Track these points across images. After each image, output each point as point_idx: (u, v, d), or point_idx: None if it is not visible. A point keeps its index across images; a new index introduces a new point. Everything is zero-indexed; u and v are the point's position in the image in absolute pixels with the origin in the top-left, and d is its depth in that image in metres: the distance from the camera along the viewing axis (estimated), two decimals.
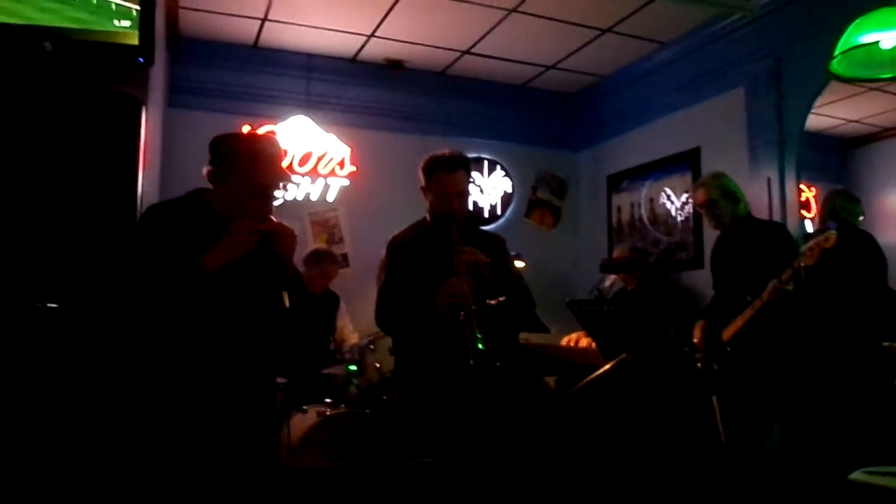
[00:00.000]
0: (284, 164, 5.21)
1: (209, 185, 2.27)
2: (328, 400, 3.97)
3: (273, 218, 2.27)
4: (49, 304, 2.67)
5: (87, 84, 3.05)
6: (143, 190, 3.11)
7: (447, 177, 2.74)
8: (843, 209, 4.29)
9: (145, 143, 3.18)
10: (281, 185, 2.37)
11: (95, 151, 2.92)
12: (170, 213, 2.21)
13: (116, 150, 3.00)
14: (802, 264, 3.14)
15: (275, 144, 2.33)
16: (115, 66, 3.24)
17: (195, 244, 2.10)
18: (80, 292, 2.51)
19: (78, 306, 2.65)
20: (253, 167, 2.20)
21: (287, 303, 2.28)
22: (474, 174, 6.03)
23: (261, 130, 5.17)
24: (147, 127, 3.23)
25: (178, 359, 2.12)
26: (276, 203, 2.34)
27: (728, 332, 3.40)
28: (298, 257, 4.75)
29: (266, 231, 2.20)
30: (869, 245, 4.08)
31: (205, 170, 2.24)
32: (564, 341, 4.63)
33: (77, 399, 2.55)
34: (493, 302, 2.66)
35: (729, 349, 3.33)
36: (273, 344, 2.41)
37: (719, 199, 3.62)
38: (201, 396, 2.11)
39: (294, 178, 5.36)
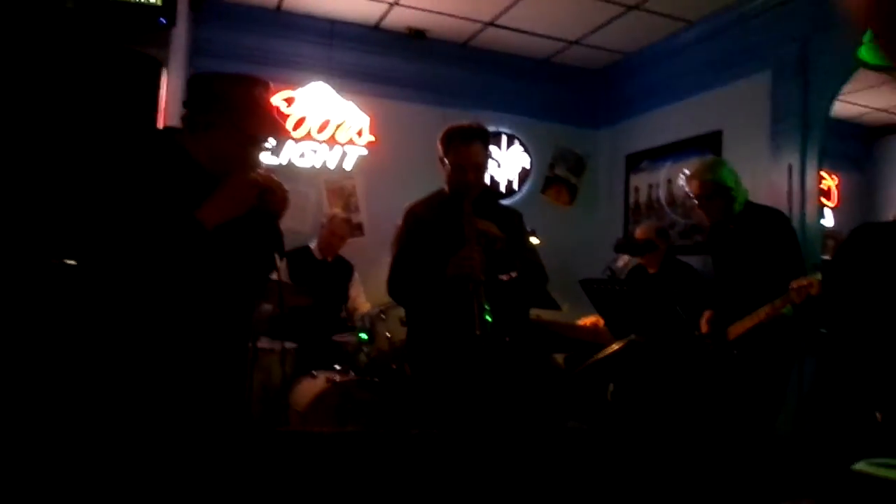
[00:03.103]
0: (303, 130, 5.24)
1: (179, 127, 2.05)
2: (338, 367, 4.01)
3: (262, 172, 2.07)
4: (66, 261, 2.69)
5: (107, 43, 3.05)
6: None
7: (464, 148, 2.73)
8: None
9: (165, 105, 3.19)
10: (272, 136, 2.11)
11: (115, 111, 2.93)
12: (147, 159, 1.98)
13: (136, 110, 3.01)
14: (791, 299, 3.09)
15: (268, 89, 2.10)
16: (137, 26, 3.24)
17: (177, 196, 1.90)
18: (90, 249, 2.40)
19: (90, 263, 2.59)
20: (244, 115, 1.99)
21: (279, 263, 2.12)
22: (492, 148, 6.00)
23: (280, 95, 5.17)
24: (167, 88, 3.23)
25: (167, 318, 1.96)
26: (264, 156, 2.15)
27: (733, 333, 3.38)
28: (315, 224, 4.79)
29: (258, 191, 2.01)
30: None
31: (182, 112, 2.02)
32: (581, 322, 4.64)
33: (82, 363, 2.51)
34: (505, 277, 2.67)
35: (735, 351, 3.33)
36: (254, 306, 2.31)
37: (712, 196, 3.49)
38: (184, 357, 1.97)
39: (311, 145, 5.36)
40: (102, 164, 2.07)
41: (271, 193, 2.05)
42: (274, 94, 2.03)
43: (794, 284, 3.07)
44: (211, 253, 1.94)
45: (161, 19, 3.22)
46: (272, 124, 2.09)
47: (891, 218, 4.32)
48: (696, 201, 3.60)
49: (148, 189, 1.89)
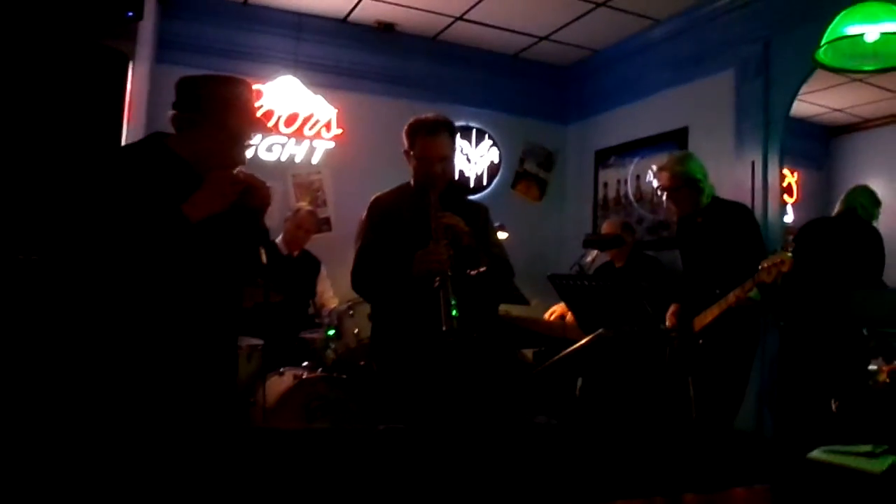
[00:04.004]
0: (270, 123, 5.22)
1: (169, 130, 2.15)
2: (305, 363, 4.01)
3: (244, 169, 2.18)
4: (31, 256, 2.66)
5: (73, 36, 3.01)
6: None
7: (429, 140, 2.73)
8: (862, 208, 4.26)
9: (131, 99, 3.16)
10: (254, 134, 2.26)
11: (80, 105, 2.90)
12: (133, 159, 2.07)
13: (101, 105, 2.98)
14: (760, 279, 3.13)
15: (251, 90, 2.24)
16: (104, 19, 3.20)
17: (163, 193, 1.98)
18: (58, 245, 2.41)
19: (56, 258, 2.58)
20: (229, 114, 2.10)
21: (264, 258, 2.20)
22: (462, 143, 6.05)
23: None
24: (133, 82, 3.21)
25: (151, 314, 2.01)
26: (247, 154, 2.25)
27: (699, 323, 3.45)
28: (281, 219, 4.77)
29: (242, 185, 2.12)
30: (876, 242, 4.12)
31: (170, 113, 2.12)
32: (548, 314, 4.68)
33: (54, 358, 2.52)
34: (472, 272, 2.68)
35: (700, 340, 3.39)
36: (240, 302, 2.36)
37: (681, 188, 3.55)
38: (170, 353, 2.03)
39: (279, 138, 5.34)
40: (81, 163, 2.12)
41: (254, 189, 2.14)
42: (256, 95, 2.13)
43: (766, 263, 3.09)
44: (196, 246, 2.01)
45: (128, 13, 3.19)
46: (255, 122, 2.20)
47: (833, 213, 4.42)
48: (665, 193, 3.65)
49: (131, 185, 1.95)
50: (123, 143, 3.10)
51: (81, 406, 2.00)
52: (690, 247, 3.74)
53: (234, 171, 2.12)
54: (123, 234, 1.92)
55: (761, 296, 3.25)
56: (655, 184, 5.35)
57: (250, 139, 2.21)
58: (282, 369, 3.90)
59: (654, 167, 5.34)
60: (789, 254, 3.06)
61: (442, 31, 5.63)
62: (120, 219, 1.91)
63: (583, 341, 3.06)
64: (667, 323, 3.59)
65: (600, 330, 3.03)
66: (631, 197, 5.70)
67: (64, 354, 2.20)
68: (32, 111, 2.82)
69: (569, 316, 4.43)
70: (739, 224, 3.51)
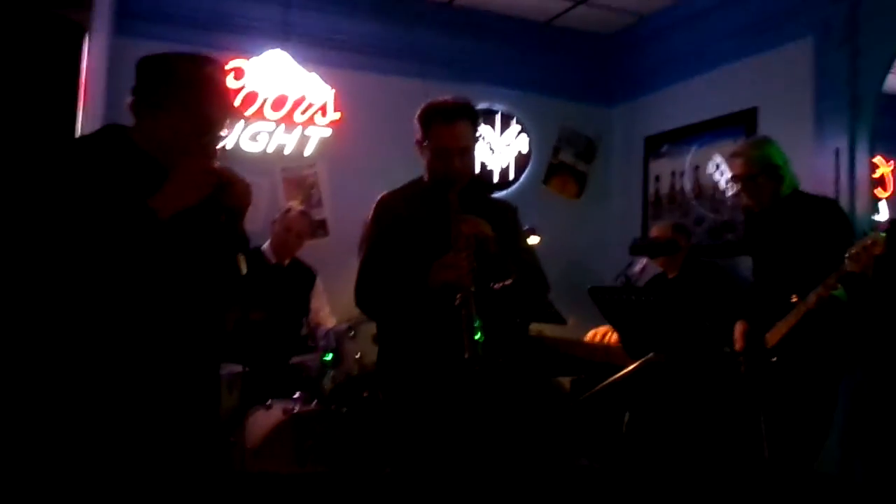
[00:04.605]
0: (254, 108, 5.24)
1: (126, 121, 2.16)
2: (297, 394, 4.01)
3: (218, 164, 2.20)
4: None
5: (18, 3, 3.04)
6: (82, 131, 3.12)
7: (447, 129, 2.73)
8: None
9: (87, 77, 3.19)
10: (228, 122, 2.27)
11: (26, 85, 2.92)
12: (89, 151, 2.08)
13: (52, 85, 3.00)
14: (848, 270, 3.09)
15: (223, 70, 2.26)
16: None
17: (125, 189, 1.99)
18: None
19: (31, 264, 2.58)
20: (199, 97, 2.12)
21: (244, 268, 2.21)
22: (485, 129, 6.04)
23: (228, 65, 5.15)
24: (90, 58, 3.23)
25: (114, 334, 2.01)
26: (220, 145, 2.27)
27: (773, 338, 3.41)
28: (268, 222, 4.78)
29: (217, 177, 2.13)
30: None
31: (128, 100, 2.14)
32: (590, 335, 4.66)
33: None
34: (497, 285, 2.68)
35: (774, 358, 3.34)
36: (221, 320, 2.37)
37: (759, 175, 3.53)
38: (136, 382, 2.03)
39: (264, 125, 5.35)
40: (28, 154, 2.14)
41: (230, 187, 2.14)
42: (237, 73, 2.17)
43: (853, 250, 3.05)
44: (166, 249, 2.02)
45: None
46: (230, 107, 2.23)
47: None
48: (740, 184, 3.64)
49: (89, 179, 1.97)
50: (79, 130, 3.12)
51: (31, 456, 2.00)
52: (765, 249, 3.70)
53: (208, 162, 2.14)
54: (82, 236, 1.92)
55: (848, 296, 3.19)
56: (719, 177, 5.33)
57: (225, 127, 2.23)
58: (269, 402, 3.90)
59: (719, 156, 5.32)
60: (882, 234, 3.02)
61: None
62: (78, 217, 1.92)
63: (630, 368, 3.04)
64: (735, 346, 3.56)
65: (650, 354, 3.01)
66: (688, 193, 5.66)
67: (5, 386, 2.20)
68: None
69: (613, 337, 4.42)
70: (826, 222, 3.46)
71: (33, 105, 2.94)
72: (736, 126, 5.22)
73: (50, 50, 3.01)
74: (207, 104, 2.14)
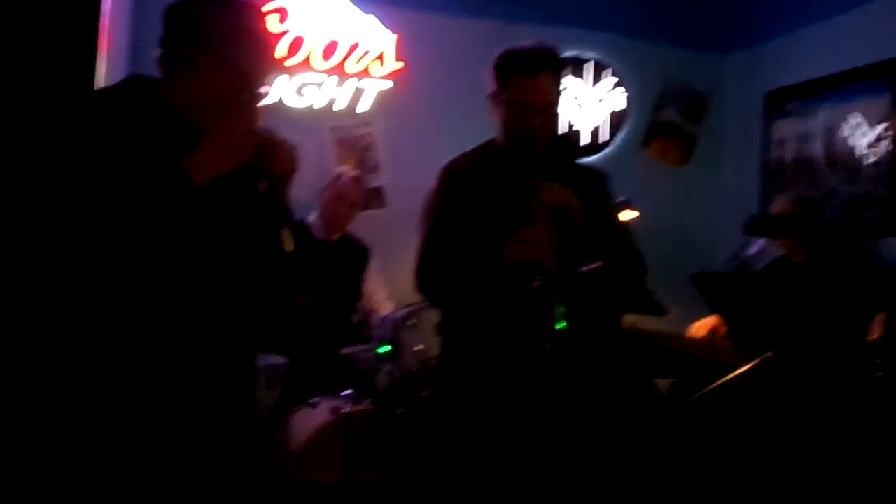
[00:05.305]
0: (300, 56, 5.28)
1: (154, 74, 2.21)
2: (347, 391, 4.07)
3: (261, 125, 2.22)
4: None
5: None
6: (104, 82, 3.19)
7: (527, 80, 2.73)
8: None
9: (108, 24, 3.25)
10: (270, 74, 2.34)
11: (37, 33, 2.98)
12: (111, 107, 2.12)
13: (67, 32, 3.06)
14: None
15: (262, 15, 2.30)
16: None
17: (154, 150, 2.04)
18: (19, 223, 2.47)
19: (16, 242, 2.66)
20: (236, 49, 2.16)
21: (289, 245, 2.24)
22: (572, 81, 6.03)
23: (270, 4, 5.21)
24: (111, 4, 3.30)
25: (142, 316, 2.06)
26: (261, 102, 2.28)
27: None
28: (316, 189, 4.84)
29: (258, 140, 2.16)
30: None
31: (157, 52, 2.19)
32: (693, 328, 4.63)
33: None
34: (586, 268, 2.68)
35: None
36: (260, 305, 2.40)
37: None
38: (162, 374, 2.07)
39: (312, 76, 5.41)
40: (44, 111, 2.19)
41: (272, 150, 2.19)
42: (281, 14, 2.21)
43: None
44: (201, 222, 2.05)
45: None
46: (269, 58, 2.30)
47: None
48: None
49: (114, 138, 2.00)
50: (101, 80, 3.19)
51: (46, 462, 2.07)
52: None
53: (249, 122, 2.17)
54: (105, 204, 1.95)
55: None
56: (858, 140, 5.22)
57: (265, 81, 2.27)
58: (314, 400, 3.97)
59: (858, 116, 5.20)
60: None
61: None
62: (101, 184, 1.95)
63: (742, 369, 3.03)
64: (872, 336, 3.50)
65: (767, 354, 2.99)
66: (818, 160, 5.56)
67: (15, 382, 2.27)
68: None
69: (723, 331, 4.38)
70: None
71: (45, 59, 3.00)
72: (879, 79, 5.12)
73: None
74: (245, 56, 2.18)
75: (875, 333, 3.55)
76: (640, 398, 4.52)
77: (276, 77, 5.18)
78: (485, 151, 2.94)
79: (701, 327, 4.59)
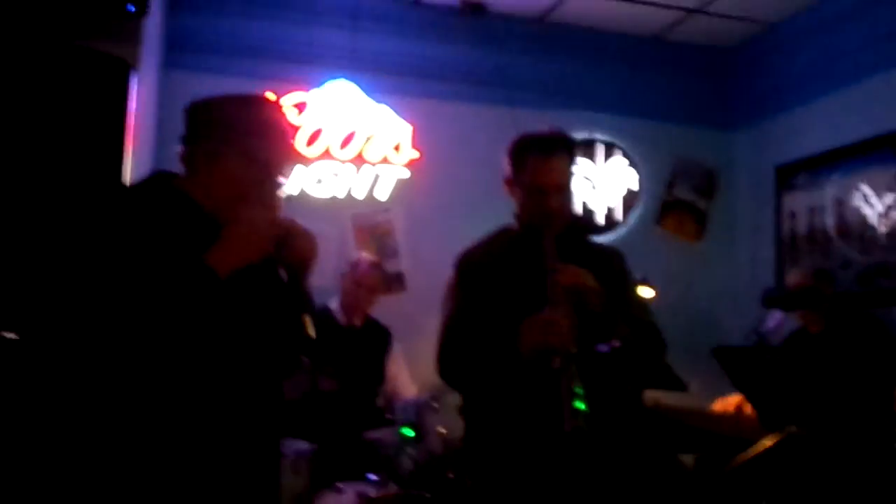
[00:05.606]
0: (319, 147, 5.35)
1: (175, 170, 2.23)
2: (372, 476, 4.05)
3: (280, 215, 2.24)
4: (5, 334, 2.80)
5: (59, 40, 3.19)
6: (132, 175, 3.25)
7: (543, 164, 2.76)
8: None
9: (136, 117, 3.33)
10: (290, 165, 2.34)
11: (68, 130, 3.05)
12: (139, 203, 2.15)
13: (96, 127, 3.13)
14: None
15: (281, 109, 2.33)
16: (98, 17, 3.38)
17: (179, 245, 2.05)
18: (45, 315, 2.50)
19: (41, 334, 2.69)
20: (259, 142, 2.17)
21: (312, 331, 2.25)
22: (584, 162, 6.06)
23: (287, 100, 5.30)
24: (138, 95, 3.37)
25: (167, 407, 2.06)
26: (282, 193, 2.31)
27: None
28: (337, 275, 4.87)
29: (280, 230, 2.18)
30: None
31: (180, 148, 2.21)
32: (719, 405, 4.60)
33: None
34: (605, 348, 2.68)
35: None
36: (281, 391, 2.40)
37: None
38: (185, 461, 2.07)
39: (332, 166, 5.47)
40: (72, 206, 2.23)
41: (292, 239, 2.21)
42: (300, 106, 2.24)
43: None
44: (225, 312, 2.07)
45: (128, 6, 3.37)
46: (289, 148, 2.30)
47: None
48: None
49: (142, 235, 2.03)
50: (127, 176, 3.25)
51: None
52: None
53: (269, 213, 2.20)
54: (134, 297, 1.97)
55: None
56: (868, 210, 5.24)
57: (286, 172, 2.29)
58: (339, 484, 3.95)
59: (866, 186, 5.22)
60: None
61: (552, 8, 5.74)
62: (130, 278, 1.98)
63: (766, 443, 3.01)
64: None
65: (791, 427, 2.97)
66: (830, 231, 5.57)
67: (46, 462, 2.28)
68: (5, 139, 2.98)
69: (748, 407, 4.35)
70: None
71: (75, 154, 3.05)
72: (885, 150, 5.15)
73: (93, 89, 3.14)
74: (266, 148, 2.20)
75: None
76: (666, 474, 4.48)
77: (295, 165, 5.24)
78: (499, 237, 2.96)
79: (728, 403, 4.57)
